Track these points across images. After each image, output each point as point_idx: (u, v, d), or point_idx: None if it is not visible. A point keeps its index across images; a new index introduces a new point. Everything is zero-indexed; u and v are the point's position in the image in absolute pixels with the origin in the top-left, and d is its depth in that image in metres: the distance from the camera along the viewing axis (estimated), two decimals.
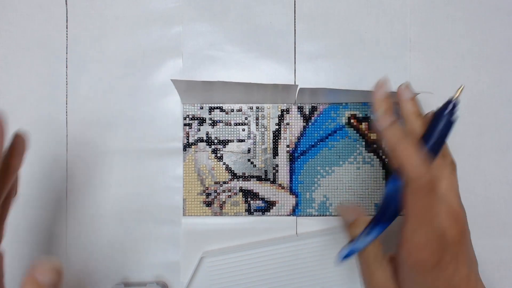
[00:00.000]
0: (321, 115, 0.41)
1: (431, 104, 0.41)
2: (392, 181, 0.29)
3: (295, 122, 0.41)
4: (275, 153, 0.41)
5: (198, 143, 0.41)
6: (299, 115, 0.41)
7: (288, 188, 0.41)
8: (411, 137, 0.29)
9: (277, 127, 0.41)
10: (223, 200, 0.41)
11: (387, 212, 0.29)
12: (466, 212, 0.30)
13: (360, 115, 0.41)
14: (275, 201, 0.41)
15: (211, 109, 0.41)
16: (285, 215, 0.41)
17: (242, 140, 0.41)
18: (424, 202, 0.26)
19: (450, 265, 0.27)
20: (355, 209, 0.34)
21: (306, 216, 0.40)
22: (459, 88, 0.29)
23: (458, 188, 0.30)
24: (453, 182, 0.30)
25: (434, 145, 0.28)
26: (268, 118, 0.41)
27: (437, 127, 0.28)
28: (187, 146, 0.41)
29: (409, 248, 0.27)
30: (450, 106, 0.28)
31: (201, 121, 0.41)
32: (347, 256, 0.31)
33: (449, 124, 0.28)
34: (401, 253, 0.28)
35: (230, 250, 0.39)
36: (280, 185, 0.41)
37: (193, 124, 0.41)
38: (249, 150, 0.41)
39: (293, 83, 0.40)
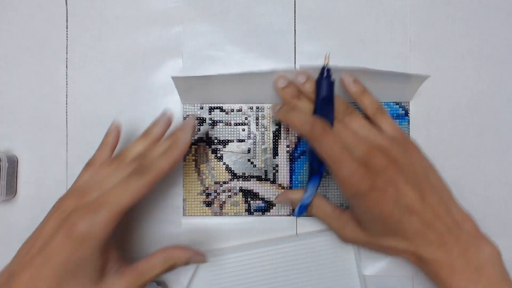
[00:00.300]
0: None
1: (431, 103, 0.41)
2: (308, 143, 0.35)
3: None
4: (275, 153, 0.41)
5: (198, 143, 0.41)
6: None
7: (288, 188, 0.41)
8: (295, 109, 0.35)
9: (277, 127, 0.41)
10: (223, 200, 0.41)
11: (313, 166, 0.35)
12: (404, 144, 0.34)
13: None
14: None
15: (211, 109, 0.41)
16: (285, 215, 0.41)
17: (242, 140, 0.41)
18: (325, 145, 0.32)
19: (389, 188, 0.31)
20: (284, 192, 0.39)
21: (306, 216, 0.40)
22: (326, 55, 0.35)
23: (363, 126, 0.35)
24: (343, 127, 0.34)
25: (322, 103, 0.34)
26: (268, 118, 0.41)
27: (321, 90, 0.34)
28: None
29: (342, 184, 0.32)
30: (325, 72, 0.34)
31: (201, 121, 0.41)
32: (299, 211, 0.38)
33: (331, 84, 0.34)
34: (343, 193, 0.33)
35: (230, 250, 0.39)
36: (280, 185, 0.41)
37: None
38: (249, 150, 0.41)
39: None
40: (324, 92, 0.33)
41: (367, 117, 0.36)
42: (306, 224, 0.40)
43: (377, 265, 0.40)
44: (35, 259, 0.29)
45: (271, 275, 0.39)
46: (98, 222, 0.29)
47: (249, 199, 0.41)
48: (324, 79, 0.34)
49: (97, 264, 0.30)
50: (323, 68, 0.34)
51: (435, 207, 0.31)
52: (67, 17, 0.41)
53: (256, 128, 0.41)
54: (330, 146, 0.32)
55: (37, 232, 0.31)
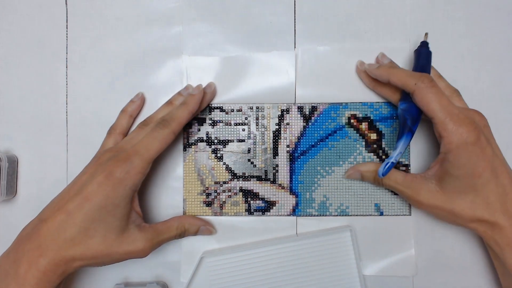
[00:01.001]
0: (321, 115, 0.41)
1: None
2: (402, 103, 0.36)
3: (295, 122, 0.41)
4: (275, 153, 0.41)
5: (198, 143, 0.41)
6: (299, 115, 0.41)
7: (288, 188, 0.41)
8: (398, 67, 0.38)
9: (277, 127, 0.41)
10: (223, 200, 0.41)
11: (407, 123, 0.35)
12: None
13: (360, 115, 0.41)
14: (275, 201, 0.41)
15: (211, 109, 0.41)
16: (285, 215, 0.41)
17: (242, 140, 0.41)
18: (434, 93, 0.33)
19: (487, 146, 0.32)
20: (354, 166, 0.40)
21: (306, 216, 0.40)
22: (426, 33, 0.38)
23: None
24: (442, 90, 0.35)
25: (424, 67, 0.37)
26: (268, 118, 0.41)
27: (420, 57, 0.37)
28: (187, 146, 0.41)
29: (449, 133, 0.32)
30: (424, 44, 0.38)
31: (201, 121, 0.41)
32: (387, 170, 0.36)
33: (428, 54, 0.37)
34: (445, 146, 0.33)
35: (230, 250, 0.39)
36: (280, 185, 0.41)
37: (193, 124, 0.41)
38: (249, 150, 0.41)
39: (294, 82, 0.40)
40: (424, 61, 0.37)
41: None
42: (306, 224, 0.40)
43: (377, 265, 0.40)
44: (67, 205, 0.32)
45: (271, 275, 0.39)
46: (133, 168, 0.33)
47: (249, 199, 0.41)
48: (424, 48, 0.37)
49: (125, 210, 0.33)
50: (422, 42, 0.38)
51: (507, 168, 0.34)
52: (67, 17, 0.41)
53: (256, 128, 0.41)
54: (440, 97, 0.33)
55: (73, 181, 0.34)
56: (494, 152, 0.33)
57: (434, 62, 0.40)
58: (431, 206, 0.35)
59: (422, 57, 0.37)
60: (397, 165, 0.40)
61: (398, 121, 0.37)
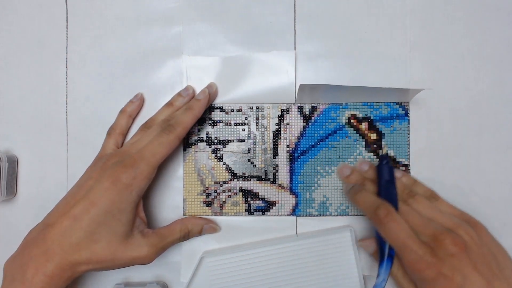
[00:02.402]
0: (321, 115, 0.41)
1: (431, 103, 0.41)
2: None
3: (295, 122, 0.41)
4: (275, 153, 0.41)
5: (198, 143, 0.41)
6: (299, 115, 0.41)
7: (288, 188, 0.41)
8: (363, 189, 0.36)
9: (277, 127, 0.41)
10: (223, 200, 0.41)
11: (384, 250, 0.34)
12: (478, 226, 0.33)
13: (360, 115, 0.41)
14: (275, 201, 0.41)
15: (211, 109, 0.41)
16: (285, 215, 0.41)
17: (242, 140, 0.41)
18: (389, 228, 0.32)
19: (456, 275, 0.30)
20: (371, 241, 0.38)
21: (306, 216, 0.40)
22: (384, 145, 0.40)
23: (427, 207, 0.35)
24: (409, 209, 0.34)
25: (385, 186, 0.36)
26: (268, 118, 0.41)
27: (383, 174, 0.36)
28: (187, 146, 0.41)
29: (408, 269, 0.32)
30: (385, 157, 0.37)
31: (201, 121, 0.41)
32: None
33: (391, 169, 0.36)
34: (409, 273, 0.33)
35: (230, 250, 0.39)
36: (280, 185, 0.41)
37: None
38: (249, 150, 0.41)
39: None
40: (386, 176, 0.36)
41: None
42: (306, 224, 0.40)
43: (377, 265, 0.40)
44: (73, 210, 0.32)
45: (271, 275, 0.39)
46: (139, 174, 0.33)
47: (249, 199, 0.41)
48: (384, 165, 0.36)
49: (130, 215, 0.33)
50: (381, 156, 0.37)
51: None
52: (67, 17, 0.41)
53: (256, 128, 0.41)
54: (396, 230, 0.32)
55: (78, 186, 0.34)
56: (467, 276, 0.30)
57: (434, 62, 0.41)
58: None
59: (385, 173, 0.36)
60: (396, 165, 0.40)
61: (376, 242, 0.36)
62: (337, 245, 0.39)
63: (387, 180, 0.36)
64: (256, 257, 0.39)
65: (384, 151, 0.39)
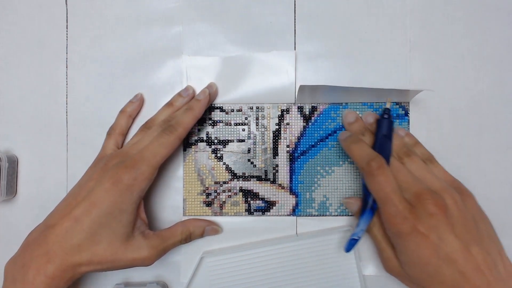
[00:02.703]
0: (321, 115, 0.41)
1: (431, 103, 0.41)
2: (363, 179, 0.36)
3: (295, 122, 0.41)
4: (275, 153, 0.41)
5: (198, 143, 0.41)
6: (299, 115, 0.41)
7: (288, 188, 0.41)
8: (360, 140, 0.36)
9: (277, 127, 0.41)
10: (223, 200, 0.41)
11: (367, 200, 0.35)
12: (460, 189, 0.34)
13: (360, 115, 0.41)
14: (275, 201, 0.41)
15: (211, 109, 0.41)
16: (285, 215, 0.41)
17: (242, 140, 0.41)
18: (377, 181, 0.32)
19: (431, 234, 0.30)
20: (356, 199, 0.39)
21: (306, 216, 0.40)
22: (388, 99, 0.38)
23: (420, 168, 0.35)
24: (400, 165, 0.35)
25: (382, 140, 0.36)
26: (268, 118, 0.41)
27: (382, 127, 0.36)
28: (187, 146, 0.41)
29: (385, 222, 0.33)
30: (386, 111, 0.37)
31: (201, 121, 0.41)
32: (349, 245, 0.36)
33: (390, 123, 0.36)
34: (386, 230, 0.33)
35: (230, 250, 0.39)
36: (280, 185, 0.41)
37: None
38: (249, 150, 0.41)
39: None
40: (384, 130, 0.36)
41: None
42: (306, 224, 0.40)
43: (377, 265, 0.40)
44: (74, 211, 0.32)
45: (271, 275, 0.39)
46: (140, 175, 0.33)
47: (249, 199, 0.41)
48: (385, 118, 0.37)
49: (131, 216, 0.33)
50: (384, 109, 0.37)
51: (478, 259, 0.30)
52: (67, 17, 0.41)
53: (256, 128, 0.41)
54: (382, 183, 0.32)
55: (79, 187, 0.34)
56: (442, 237, 0.30)
57: (434, 62, 0.40)
58: (399, 278, 0.35)
59: (383, 127, 0.36)
60: None
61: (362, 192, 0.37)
62: (337, 245, 0.39)
63: (384, 134, 0.36)
64: (256, 257, 0.39)
65: (388, 105, 0.38)
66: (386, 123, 0.36)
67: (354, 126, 0.39)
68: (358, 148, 0.35)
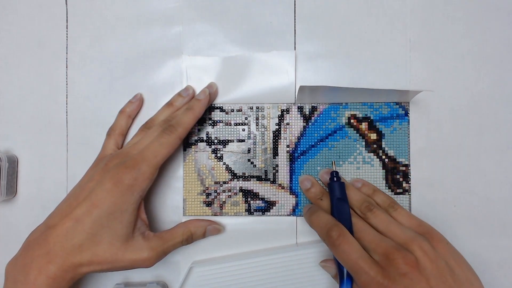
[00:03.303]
0: (321, 115, 0.41)
1: (431, 103, 0.41)
2: None
3: (295, 122, 0.41)
4: (275, 153, 0.41)
5: (198, 143, 0.41)
6: (299, 115, 0.41)
7: (288, 188, 0.41)
8: (318, 210, 0.36)
9: (277, 127, 0.41)
10: (223, 200, 0.41)
11: (342, 273, 0.34)
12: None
13: (360, 115, 0.41)
14: (275, 201, 0.41)
15: (211, 109, 0.41)
16: (285, 215, 0.41)
17: (242, 140, 0.41)
18: (341, 250, 0.32)
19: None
20: (332, 262, 0.36)
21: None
22: (333, 161, 0.39)
23: (383, 221, 0.34)
24: (363, 225, 0.34)
25: (338, 204, 0.35)
26: (268, 118, 0.41)
27: (334, 191, 0.36)
28: (187, 146, 0.41)
29: (361, 287, 0.31)
30: (334, 174, 0.37)
31: (201, 121, 0.41)
32: None
33: (341, 185, 0.36)
34: None
35: (230, 258, 0.39)
36: (280, 185, 0.41)
37: None
38: (249, 150, 0.41)
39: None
40: (337, 194, 0.36)
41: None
42: (306, 224, 0.40)
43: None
44: (75, 211, 0.32)
45: (271, 284, 0.39)
46: (141, 175, 0.33)
47: (249, 199, 0.41)
48: (335, 182, 0.36)
49: (132, 216, 0.33)
50: (332, 173, 0.37)
51: None
52: (67, 17, 0.41)
53: (256, 128, 0.41)
54: (347, 252, 0.31)
55: (79, 187, 0.34)
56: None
57: (434, 62, 0.40)
58: None
59: (336, 190, 0.36)
60: (397, 165, 0.40)
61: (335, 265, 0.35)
62: (326, 257, 0.39)
63: (338, 198, 0.36)
64: (256, 266, 0.39)
65: (333, 167, 0.39)
66: (338, 186, 0.36)
67: (311, 192, 0.38)
68: (317, 219, 0.35)
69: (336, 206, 0.35)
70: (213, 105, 0.41)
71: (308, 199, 0.39)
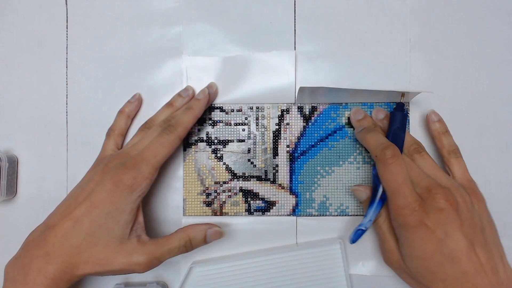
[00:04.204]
0: (321, 115, 0.41)
1: (431, 103, 0.41)
2: (374, 168, 0.35)
3: (295, 122, 0.41)
4: (275, 153, 0.41)
5: (198, 143, 0.41)
6: (299, 115, 0.41)
7: (288, 188, 0.41)
8: (375, 130, 0.36)
9: (277, 127, 0.41)
10: (223, 200, 0.41)
11: (377, 192, 0.34)
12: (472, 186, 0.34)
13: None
14: (275, 201, 0.41)
15: (211, 109, 0.41)
16: (285, 215, 0.41)
17: (242, 140, 0.41)
18: (390, 170, 0.32)
19: (438, 229, 0.30)
20: (365, 187, 0.37)
21: (306, 216, 0.40)
22: (402, 93, 0.37)
23: (430, 166, 0.35)
24: (411, 162, 0.34)
25: (394, 134, 0.35)
26: (268, 118, 0.41)
27: (395, 120, 0.36)
28: (187, 146, 0.41)
29: (392, 212, 0.32)
30: (399, 106, 0.36)
31: (201, 121, 0.41)
32: (356, 236, 0.35)
33: (404, 117, 0.36)
34: (392, 220, 0.33)
35: (230, 259, 0.39)
36: (280, 185, 0.41)
37: None
38: (249, 150, 0.41)
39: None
40: (398, 123, 0.36)
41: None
42: (306, 224, 0.40)
43: (376, 264, 0.40)
44: (75, 212, 0.32)
45: (271, 284, 0.39)
46: (141, 175, 0.33)
47: (249, 199, 0.41)
48: (398, 112, 0.36)
49: (130, 217, 0.33)
50: (398, 103, 0.37)
51: (481, 261, 0.30)
52: (67, 17, 0.41)
53: (256, 128, 0.41)
54: (395, 173, 0.32)
55: (79, 188, 0.34)
56: (449, 233, 0.30)
57: (434, 62, 0.40)
58: (398, 272, 0.35)
59: (396, 121, 0.36)
60: None
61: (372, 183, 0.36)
62: (327, 257, 0.39)
63: (397, 127, 0.36)
64: (256, 266, 0.39)
65: (402, 99, 0.38)
66: (400, 116, 0.36)
67: (364, 122, 0.38)
68: (373, 136, 0.35)
69: (394, 133, 0.35)
70: (213, 105, 0.41)
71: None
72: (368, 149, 0.36)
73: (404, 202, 0.31)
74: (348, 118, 0.41)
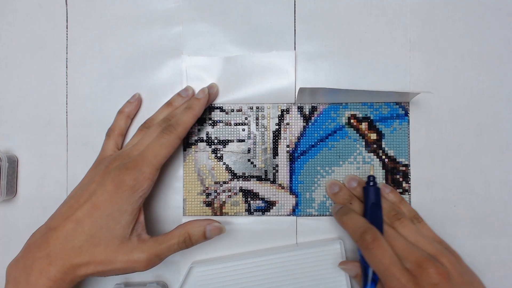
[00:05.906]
0: (321, 115, 0.41)
1: (431, 103, 0.41)
2: (359, 251, 0.35)
3: (295, 122, 0.41)
4: (275, 153, 0.41)
5: (198, 143, 0.41)
6: (299, 115, 0.41)
7: (288, 188, 0.41)
8: (351, 211, 0.37)
9: (277, 127, 0.41)
10: (223, 200, 0.41)
11: (367, 274, 0.34)
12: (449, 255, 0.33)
13: (360, 115, 0.41)
14: (275, 201, 0.41)
15: (211, 109, 0.41)
16: (285, 215, 0.41)
17: (242, 140, 0.41)
18: (374, 254, 0.32)
19: None
20: (352, 264, 0.37)
21: (306, 216, 0.40)
22: (371, 166, 0.39)
23: (412, 232, 0.35)
24: (394, 233, 0.34)
25: (372, 208, 0.36)
26: (268, 118, 0.41)
27: (369, 196, 0.36)
28: (187, 146, 0.41)
29: (387, 283, 0.32)
30: (371, 179, 0.37)
31: (201, 121, 0.41)
32: None
33: (377, 190, 0.36)
34: None
35: (229, 258, 0.39)
36: (280, 185, 0.41)
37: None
38: (249, 150, 0.41)
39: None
40: (372, 199, 0.36)
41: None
42: (306, 224, 0.40)
43: None
44: (76, 213, 0.32)
45: (271, 284, 0.39)
46: (142, 176, 0.33)
47: (249, 199, 0.41)
48: (371, 186, 0.37)
49: (131, 217, 0.33)
50: (369, 177, 0.37)
51: None
52: (67, 17, 0.41)
53: (256, 128, 0.41)
54: (380, 256, 0.32)
55: (80, 189, 0.34)
56: None
57: (434, 62, 0.40)
58: None
59: (371, 195, 0.36)
60: (397, 165, 0.40)
61: (361, 266, 0.36)
62: (327, 257, 0.39)
63: (373, 203, 0.36)
64: (256, 265, 0.39)
65: (371, 172, 0.39)
66: (373, 191, 0.36)
67: (339, 196, 0.39)
68: (350, 220, 0.35)
69: (371, 210, 0.36)
70: (213, 105, 0.41)
71: (336, 203, 0.39)
72: (347, 232, 0.36)
73: (397, 284, 0.31)
74: (348, 118, 0.41)
